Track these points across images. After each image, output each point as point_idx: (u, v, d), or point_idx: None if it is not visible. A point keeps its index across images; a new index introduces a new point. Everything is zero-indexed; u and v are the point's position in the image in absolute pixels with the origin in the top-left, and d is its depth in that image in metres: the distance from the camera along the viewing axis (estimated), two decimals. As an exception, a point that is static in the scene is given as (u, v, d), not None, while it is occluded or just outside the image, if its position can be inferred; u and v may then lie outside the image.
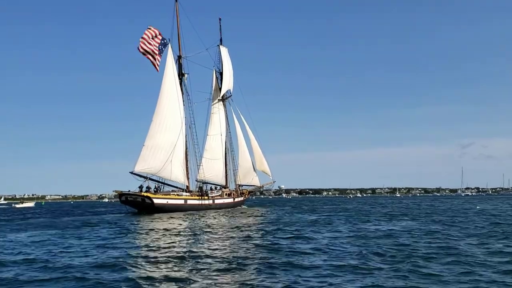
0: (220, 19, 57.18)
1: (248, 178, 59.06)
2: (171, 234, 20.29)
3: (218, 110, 56.15)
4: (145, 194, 44.71)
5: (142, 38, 46.45)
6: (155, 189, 47.75)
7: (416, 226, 23.24)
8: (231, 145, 58.47)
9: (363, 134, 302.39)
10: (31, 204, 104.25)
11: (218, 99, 56.65)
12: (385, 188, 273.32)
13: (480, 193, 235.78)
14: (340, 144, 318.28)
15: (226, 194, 55.56)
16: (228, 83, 56.16)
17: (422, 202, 78.92)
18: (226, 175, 57.82)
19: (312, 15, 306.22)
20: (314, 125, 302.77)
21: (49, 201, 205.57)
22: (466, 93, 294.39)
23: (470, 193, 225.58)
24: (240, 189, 59.16)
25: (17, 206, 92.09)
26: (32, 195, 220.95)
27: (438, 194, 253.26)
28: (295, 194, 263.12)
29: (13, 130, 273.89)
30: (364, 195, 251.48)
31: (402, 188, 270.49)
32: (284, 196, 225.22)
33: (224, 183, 57.28)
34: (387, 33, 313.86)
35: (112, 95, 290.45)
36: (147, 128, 47.45)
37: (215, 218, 33.11)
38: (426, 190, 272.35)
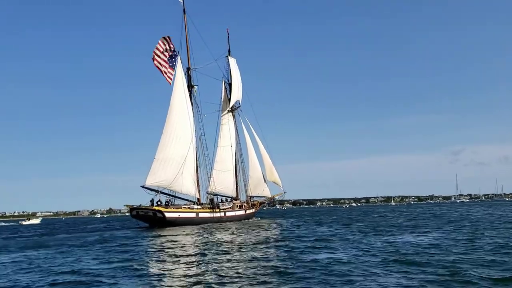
0: (228, 30, 57.13)
1: (259, 189, 58.48)
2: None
3: (227, 121, 55.79)
4: (157, 208, 44.05)
5: (156, 49, 46.32)
6: (166, 203, 47.10)
7: (454, 237, 21.86)
8: (241, 156, 58.12)
9: (354, 144, 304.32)
10: (37, 221, 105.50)
11: (228, 110, 56.29)
12: (379, 197, 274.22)
13: (473, 199, 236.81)
14: (332, 154, 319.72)
15: (237, 206, 54.88)
16: (237, 94, 55.91)
17: (426, 210, 77.45)
18: (236, 187, 57.21)
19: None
20: (306, 135, 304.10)
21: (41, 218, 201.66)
22: (456, 101, 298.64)
23: (465, 200, 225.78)
24: (251, 200, 58.56)
25: (24, 223, 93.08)
26: (23, 212, 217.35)
27: (431, 201, 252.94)
28: (289, 205, 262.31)
29: (2, 146, 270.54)
30: (359, 204, 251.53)
31: (396, 196, 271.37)
32: (278, 207, 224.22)
33: (235, 195, 56.58)
34: (378, 40, 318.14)
35: (109, 107, 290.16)
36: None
37: (232, 233, 30.86)
38: (419, 198, 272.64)
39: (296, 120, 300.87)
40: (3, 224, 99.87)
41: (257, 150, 57.76)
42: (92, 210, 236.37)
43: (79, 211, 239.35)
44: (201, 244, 22.20)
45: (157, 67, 46.36)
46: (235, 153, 56.48)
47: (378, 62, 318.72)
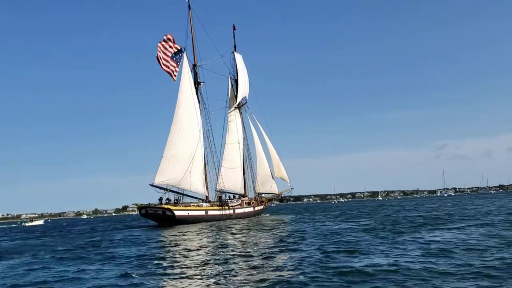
0: (234, 26, 56.55)
1: (267, 185, 58.20)
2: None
3: (234, 118, 55.41)
4: (166, 206, 43.65)
5: (160, 45, 45.68)
6: (175, 201, 46.76)
7: (489, 232, 20.25)
8: (248, 153, 57.76)
9: (338, 140, 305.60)
10: (40, 222, 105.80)
11: (235, 107, 55.89)
12: (365, 192, 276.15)
13: (458, 193, 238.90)
14: (316, 150, 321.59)
15: (245, 203, 54.61)
16: (243, 90, 55.53)
17: (422, 204, 77.17)
18: (244, 184, 56.90)
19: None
20: (290, 132, 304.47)
21: (25, 219, 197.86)
22: (437, 96, 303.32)
23: (452, 194, 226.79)
24: (260, 197, 58.41)
25: (27, 224, 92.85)
26: (7, 214, 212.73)
27: (417, 196, 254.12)
28: (276, 201, 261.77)
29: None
30: (345, 200, 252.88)
31: (381, 191, 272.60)
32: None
33: (243, 192, 56.27)
34: (361, 36, 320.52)
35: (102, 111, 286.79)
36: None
37: (248, 230, 29.10)
38: (404, 193, 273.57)
39: (281, 116, 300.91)
40: (4, 226, 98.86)
41: (265, 146, 57.56)
42: (78, 211, 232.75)
43: (65, 212, 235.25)
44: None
45: (161, 65, 45.78)
46: (243, 150, 56.19)
47: (364, 57, 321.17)
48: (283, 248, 17.69)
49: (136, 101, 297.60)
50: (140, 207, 45.32)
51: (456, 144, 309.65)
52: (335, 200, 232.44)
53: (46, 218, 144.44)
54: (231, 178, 53.08)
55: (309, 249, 17.13)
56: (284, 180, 59.71)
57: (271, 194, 60.61)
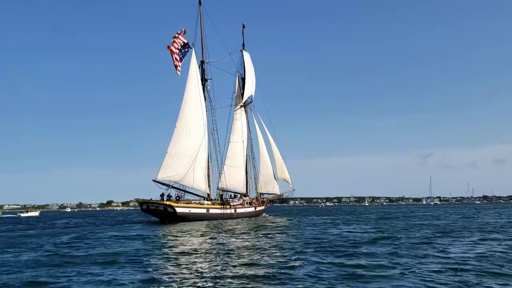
0: (243, 24, 56.15)
1: (269, 186, 57.86)
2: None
3: (240, 117, 55.00)
4: (168, 202, 43.11)
5: (173, 41, 45.29)
6: (176, 198, 46.18)
7: None
8: (252, 152, 57.39)
9: (325, 143, 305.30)
10: (36, 213, 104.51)
11: (240, 105, 55.51)
12: (351, 197, 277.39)
13: (443, 202, 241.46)
14: (303, 152, 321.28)
15: (247, 203, 54.19)
16: (250, 89, 55.16)
17: (429, 212, 68.86)
18: (246, 183, 56.53)
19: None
20: (277, 133, 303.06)
21: (7, 210, 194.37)
22: (425, 103, 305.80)
23: (438, 202, 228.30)
24: (261, 197, 58.07)
25: (22, 215, 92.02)
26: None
27: (403, 203, 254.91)
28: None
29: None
30: (331, 204, 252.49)
31: (367, 197, 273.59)
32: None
33: (244, 191, 55.90)
34: (349, 39, 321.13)
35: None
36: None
37: (256, 233, 26.62)
38: (390, 199, 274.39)
39: (268, 116, 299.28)
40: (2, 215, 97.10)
41: (268, 146, 57.24)
42: (62, 204, 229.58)
43: (48, 205, 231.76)
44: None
45: (172, 57, 45.38)
46: (247, 149, 55.82)
47: (355, 59, 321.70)
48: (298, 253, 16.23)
49: (125, 97, 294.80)
50: (141, 203, 44.72)
51: (442, 153, 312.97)
52: (322, 204, 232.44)
53: (41, 210, 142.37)
54: (233, 177, 52.67)
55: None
56: (287, 181, 59.54)
57: (273, 195, 60.37)
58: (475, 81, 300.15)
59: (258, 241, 20.89)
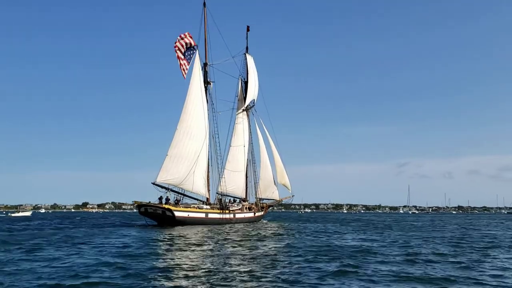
0: (248, 27, 55.53)
1: (269, 191, 57.35)
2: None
3: (242, 121, 54.45)
4: (166, 206, 42.62)
5: (178, 41, 44.82)
6: (175, 201, 45.63)
7: None
8: (253, 157, 56.80)
9: (303, 150, 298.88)
10: (28, 213, 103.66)
11: (242, 109, 54.94)
12: (328, 204, 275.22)
13: (419, 211, 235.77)
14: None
15: (246, 208, 53.53)
16: (253, 93, 54.61)
17: (418, 219, 63.46)
18: (246, 188, 55.95)
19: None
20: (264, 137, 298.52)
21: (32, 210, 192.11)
22: (403, 114, 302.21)
23: (416, 211, 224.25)
24: (261, 202, 57.48)
25: (13, 215, 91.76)
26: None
27: (379, 211, 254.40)
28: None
29: None
30: (310, 210, 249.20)
31: (345, 204, 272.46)
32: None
33: (244, 196, 55.32)
34: (324, 45, 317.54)
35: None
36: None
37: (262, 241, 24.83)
38: (367, 207, 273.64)
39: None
40: None
41: (269, 151, 56.78)
42: (36, 205, 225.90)
43: (21, 205, 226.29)
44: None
45: (178, 58, 44.93)
46: (248, 153, 55.24)
47: (325, 67, 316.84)
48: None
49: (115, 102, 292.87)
50: (139, 205, 44.17)
51: (418, 162, 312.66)
52: (301, 211, 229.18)
53: (33, 210, 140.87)
54: (233, 181, 52.13)
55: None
56: (286, 187, 59.12)
57: (272, 200, 59.90)
58: (450, 93, 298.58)
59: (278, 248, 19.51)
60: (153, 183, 45.00)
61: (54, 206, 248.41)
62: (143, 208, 43.32)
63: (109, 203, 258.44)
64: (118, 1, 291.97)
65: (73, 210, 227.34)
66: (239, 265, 14.97)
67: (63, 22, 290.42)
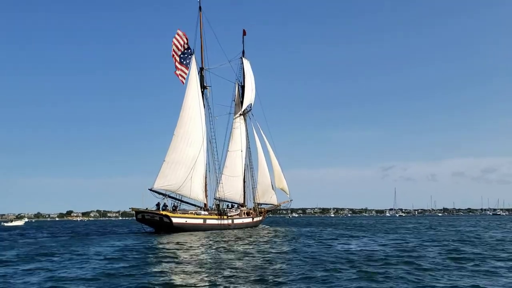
0: (244, 31, 55.34)
1: (267, 196, 56.98)
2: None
3: (239, 125, 54.11)
4: (164, 212, 42.15)
5: (174, 45, 44.46)
6: (173, 207, 45.17)
7: None
8: (250, 161, 56.44)
9: (288, 154, 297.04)
10: (21, 223, 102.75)
11: (239, 114, 54.63)
12: (315, 209, 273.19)
13: (405, 214, 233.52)
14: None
15: (244, 213, 53.10)
16: (250, 97, 54.31)
17: (406, 221, 61.18)
18: (244, 193, 55.53)
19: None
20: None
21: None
22: (387, 118, 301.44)
23: (403, 214, 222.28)
24: (259, 208, 57.06)
25: (6, 224, 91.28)
26: None
27: (366, 214, 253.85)
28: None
29: None
30: (297, 215, 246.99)
31: (331, 208, 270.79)
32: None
33: (242, 201, 54.88)
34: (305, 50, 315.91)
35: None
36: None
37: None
38: (353, 211, 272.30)
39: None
40: None
41: (267, 155, 56.56)
42: (19, 214, 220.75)
43: (4, 214, 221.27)
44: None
45: (176, 65, 44.55)
46: (245, 158, 54.92)
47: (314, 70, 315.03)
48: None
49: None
50: (137, 212, 43.65)
51: (403, 165, 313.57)
52: (289, 215, 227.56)
53: (26, 220, 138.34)
54: (231, 187, 51.71)
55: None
56: (285, 192, 58.83)
57: (270, 205, 59.53)
58: (433, 96, 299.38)
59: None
60: (151, 189, 44.55)
61: (38, 215, 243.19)
62: (141, 215, 42.85)
63: (94, 211, 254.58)
64: (111, 7, 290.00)
65: (57, 219, 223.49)
66: (239, 273, 14.47)
67: (59, 26, 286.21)
